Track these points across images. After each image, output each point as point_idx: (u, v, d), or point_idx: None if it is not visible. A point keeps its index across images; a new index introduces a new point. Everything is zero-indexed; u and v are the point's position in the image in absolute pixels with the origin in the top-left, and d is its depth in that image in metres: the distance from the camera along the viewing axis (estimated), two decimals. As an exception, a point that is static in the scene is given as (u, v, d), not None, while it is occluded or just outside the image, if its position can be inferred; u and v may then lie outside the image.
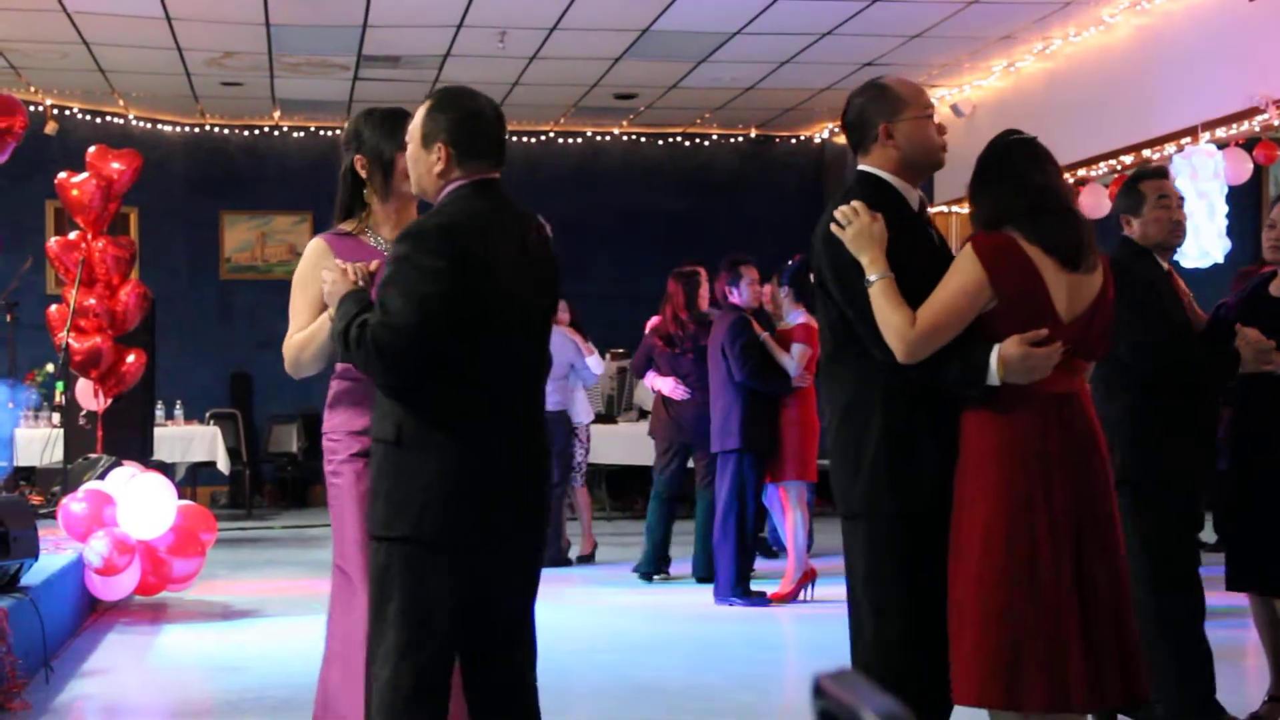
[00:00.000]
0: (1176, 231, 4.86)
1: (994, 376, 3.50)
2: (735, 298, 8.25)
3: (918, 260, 3.62)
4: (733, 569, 8.07)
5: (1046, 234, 3.59)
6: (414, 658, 3.34)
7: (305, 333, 3.90)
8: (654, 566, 9.18)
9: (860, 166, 3.79)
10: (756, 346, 8.11)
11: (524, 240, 3.47)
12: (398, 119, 3.86)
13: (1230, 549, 5.03)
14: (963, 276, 3.54)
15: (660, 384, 9.20)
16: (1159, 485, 4.70)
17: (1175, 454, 4.71)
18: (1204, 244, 8.98)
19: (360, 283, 3.50)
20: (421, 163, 3.48)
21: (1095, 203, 10.04)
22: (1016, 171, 3.66)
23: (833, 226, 3.63)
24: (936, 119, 3.82)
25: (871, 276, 3.56)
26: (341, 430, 3.91)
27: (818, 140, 14.83)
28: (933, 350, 3.52)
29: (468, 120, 3.45)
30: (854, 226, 3.59)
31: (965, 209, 12.59)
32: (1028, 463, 3.52)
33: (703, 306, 9.11)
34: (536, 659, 3.55)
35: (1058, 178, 3.72)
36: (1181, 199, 4.95)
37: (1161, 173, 5.19)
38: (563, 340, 9.31)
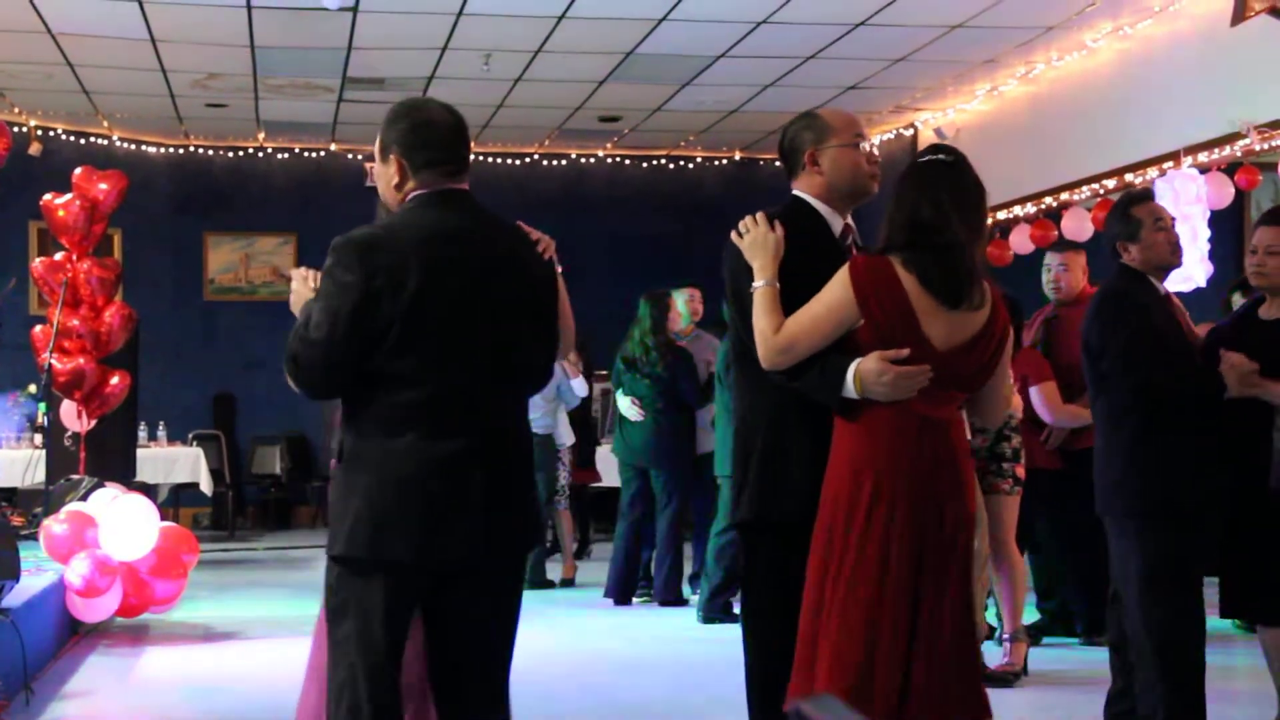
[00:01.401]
0: (1176, 252, 4.88)
1: (850, 388, 3.57)
2: None
3: (819, 282, 3.65)
4: (720, 589, 8.10)
5: (923, 269, 3.60)
6: (357, 683, 3.31)
7: None
8: (622, 592, 9.20)
9: (792, 191, 3.93)
10: None
11: (487, 250, 3.40)
12: None
13: (1224, 576, 5.02)
14: (830, 295, 3.62)
15: (620, 403, 9.27)
16: (1165, 516, 4.69)
17: (1180, 484, 4.70)
18: (1186, 268, 9.00)
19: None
20: (383, 176, 3.49)
21: (1078, 226, 10.09)
22: (908, 199, 3.68)
23: (733, 234, 3.79)
24: (869, 147, 3.89)
25: (758, 282, 3.70)
26: None
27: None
28: (792, 360, 3.61)
29: (419, 130, 3.42)
30: (751, 235, 3.76)
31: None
32: (875, 476, 3.56)
33: (675, 327, 9.15)
34: (504, 696, 3.48)
35: (954, 207, 3.65)
36: (1173, 219, 4.98)
37: (1149, 195, 5.22)
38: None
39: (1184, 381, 4.75)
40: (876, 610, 3.53)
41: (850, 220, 3.92)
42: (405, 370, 3.29)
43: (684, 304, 9.31)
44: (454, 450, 3.29)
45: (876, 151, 3.93)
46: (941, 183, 3.69)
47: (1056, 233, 10.52)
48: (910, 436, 3.58)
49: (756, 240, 3.73)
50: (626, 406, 9.16)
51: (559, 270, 3.62)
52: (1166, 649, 4.67)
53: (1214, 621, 4.98)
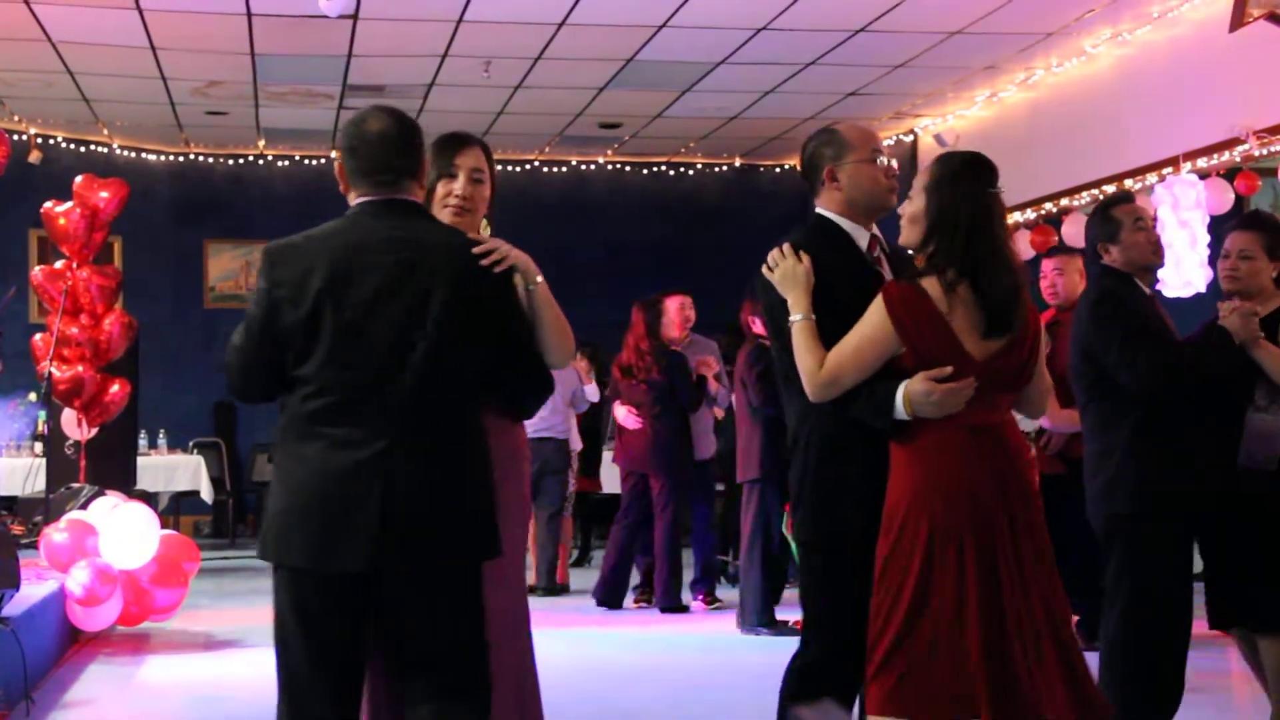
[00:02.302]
0: (1158, 251, 4.88)
1: (900, 411, 3.65)
2: (758, 327, 8.28)
3: (854, 301, 3.74)
4: (759, 598, 8.08)
5: (984, 301, 3.67)
6: (285, 687, 3.43)
7: None
8: (609, 595, 9.26)
9: (815, 209, 3.98)
10: (774, 376, 8.11)
11: (408, 259, 3.38)
12: (444, 144, 3.89)
13: (1209, 586, 5.02)
14: (870, 327, 3.69)
15: (617, 411, 9.32)
16: (1155, 521, 4.69)
17: (1171, 489, 4.70)
18: (1186, 273, 9.01)
19: None
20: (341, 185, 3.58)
21: (1076, 232, 10.09)
22: (960, 214, 3.71)
23: (764, 268, 3.84)
24: (887, 162, 3.95)
25: (795, 317, 3.76)
26: None
27: (800, 168, 14.82)
28: (838, 392, 3.70)
29: (353, 140, 3.51)
30: (781, 268, 3.81)
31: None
32: (935, 494, 3.63)
33: (670, 335, 9.17)
34: (466, 695, 3.43)
35: (1001, 222, 3.78)
36: (1154, 219, 4.97)
37: (1130, 197, 5.22)
38: (565, 371, 9.42)
39: (1196, 363, 4.72)
40: (961, 632, 3.57)
41: (876, 230, 3.98)
42: (311, 376, 3.36)
43: (675, 311, 9.36)
44: (357, 459, 3.31)
45: (895, 165, 3.98)
46: (988, 192, 3.76)
47: (1057, 238, 10.53)
48: (965, 449, 3.66)
49: (787, 274, 3.79)
50: (624, 415, 9.19)
51: (538, 280, 3.63)
52: (1147, 652, 4.67)
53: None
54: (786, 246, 3.81)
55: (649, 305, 9.19)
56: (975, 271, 3.67)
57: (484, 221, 3.93)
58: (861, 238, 3.93)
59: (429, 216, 3.62)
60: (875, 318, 3.68)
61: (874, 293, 3.75)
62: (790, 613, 8.26)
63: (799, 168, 4.10)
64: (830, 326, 3.72)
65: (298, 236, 3.48)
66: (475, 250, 3.47)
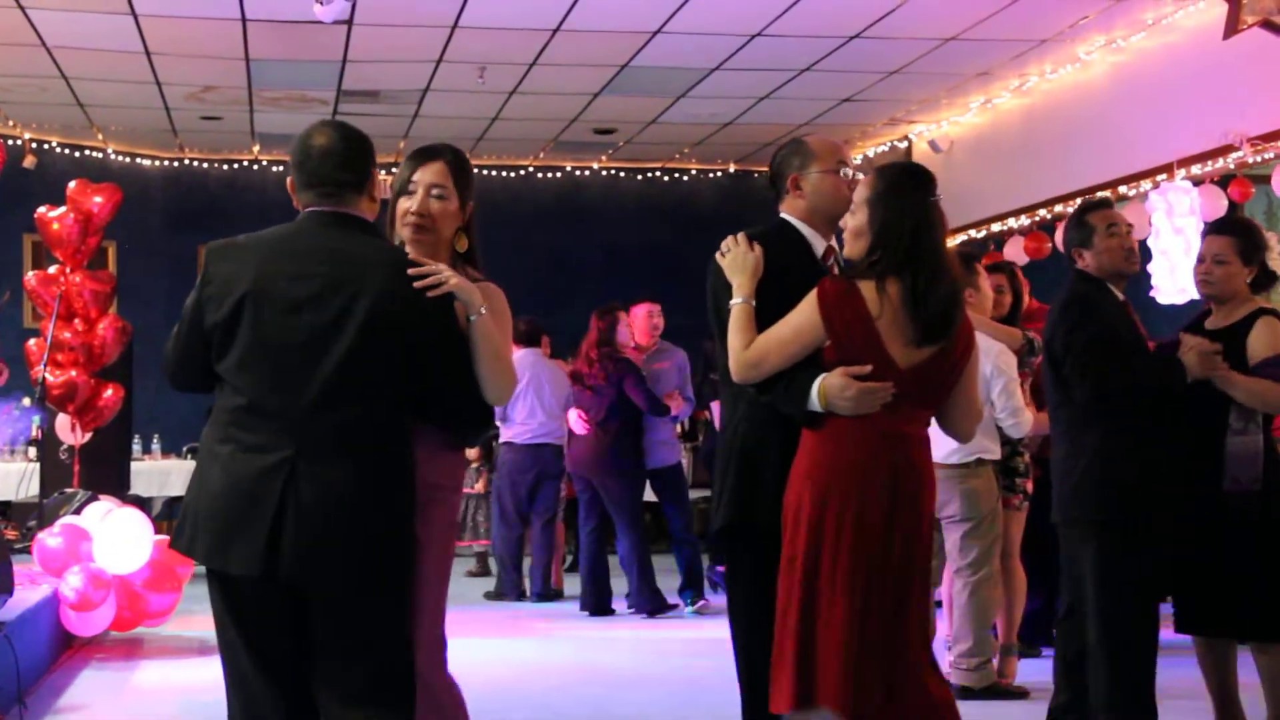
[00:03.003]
0: (1131, 258, 4.90)
1: (814, 402, 3.74)
2: None
3: (796, 301, 3.81)
4: None
5: (917, 304, 3.72)
6: (229, 688, 3.57)
7: None
8: (596, 603, 9.27)
9: (779, 213, 4.11)
10: None
11: (335, 274, 3.38)
12: (408, 158, 3.83)
13: (1178, 591, 5.03)
14: (799, 316, 3.78)
15: (569, 416, 9.40)
16: (1122, 525, 4.71)
17: (1142, 494, 4.72)
18: (1180, 280, 9.02)
19: None
20: None
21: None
22: (898, 220, 3.77)
23: (717, 254, 3.95)
24: (851, 175, 4.06)
25: (735, 299, 3.85)
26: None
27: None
28: (760, 375, 3.80)
29: (299, 156, 3.57)
30: (732, 254, 3.91)
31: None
32: (830, 483, 3.71)
33: (628, 342, 9.22)
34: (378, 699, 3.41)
35: (940, 228, 3.84)
36: (1130, 226, 4.98)
37: (1107, 203, 5.26)
38: (560, 376, 9.51)
39: (1144, 377, 4.75)
40: (830, 619, 3.67)
41: (834, 242, 4.09)
42: (228, 377, 3.42)
43: (642, 319, 9.44)
44: (262, 465, 3.33)
45: (860, 178, 4.03)
46: (929, 202, 3.82)
47: (1050, 245, 10.54)
48: (869, 448, 3.74)
49: (736, 260, 3.90)
50: (574, 420, 9.27)
51: (480, 313, 3.50)
52: (1120, 655, 4.68)
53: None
54: (741, 235, 3.93)
55: (604, 313, 9.26)
56: (914, 279, 3.72)
57: (460, 236, 3.79)
58: (819, 245, 4.06)
59: (372, 232, 3.55)
60: (806, 309, 3.77)
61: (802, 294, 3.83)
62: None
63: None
64: (770, 318, 3.81)
65: (242, 237, 3.54)
66: (411, 272, 3.42)
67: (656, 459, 9.28)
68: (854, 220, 3.85)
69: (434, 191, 3.74)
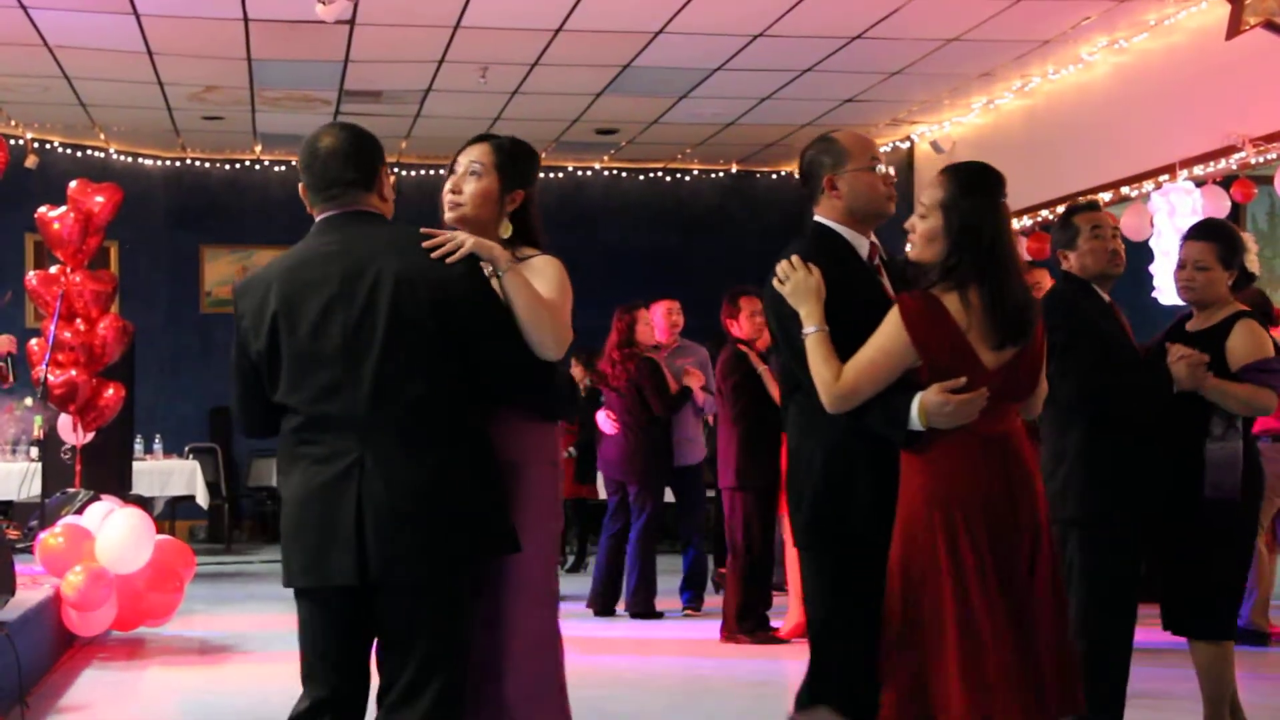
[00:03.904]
0: (1115, 260, 4.90)
1: (915, 422, 3.66)
2: (736, 330, 8.29)
3: (862, 310, 3.76)
4: (742, 606, 8.05)
5: (993, 310, 3.69)
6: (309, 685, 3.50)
7: None
8: (603, 604, 9.28)
9: (814, 217, 3.97)
10: (749, 383, 8.12)
11: (352, 266, 3.39)
12: (468, 141, 3.86)
13: (1164, 591, 5.05)
14: (887, 340, 3.70)
15: (598, 417, 9.42)
16: (1105, 526, 4.72)
17: (1123, 494, 4.73)
18: (1182, 281, 9.01)
19: None
20: None
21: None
22: (978, 224, 3.73)
23: (774, 281, 3.82)
24: (886, 169, 3.95)
25: (808, 329, 3.74)
26: None
27: (798, 176, 14.83)
28: (855, 404, 3.70)
29: (307, 160, 3.55)
30: (791, 281, 3.78)
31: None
32: (952, 503, 3.65)
33: (648, 340, 9.19)
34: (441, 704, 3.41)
35: (1010, 231, 3.82)
36: (1116, 229, 4.99)
37: (1094, 206, 5.27)
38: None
39: (1126, 378, 4.76)
40: (984, 639, 3.59)
41: (874, 239, 3.98)
42: (286, 400, 3.42)
43: (661, 316, 9.43)
44: (333, 473, 3.35)
45: (893, 172, 3.98)
46: (1003, 204, 3.78)
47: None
48: (978, 459, 3.69)
49: (799, 286, 3.77)
50: (603, 420, 9.26)
51: (505, 268, 3.47)
52: (1097, 652, 4.69)
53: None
54: (796, 259, 3.79)
55: (625, 312, 9.26)
56: (997, 285, 3.68)
57: (504, 222, 3.80)
58: (862, 246, 3.93)
59: (383, 222, 3.55)
60: (892, 331, 3.68)
61: (878, 301, 3.77)
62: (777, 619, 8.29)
63: (797, 175, 4.09)
64: (839, 337, 3.73)
65: (263, 268, 3.55)
66: (425, 245, 3.41)
67: (680, 458, 9.26)
68: (925, 224, 3.78)
69: (471, 169, 3.77)
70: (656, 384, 9.03)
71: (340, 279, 3.38)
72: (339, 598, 3.39)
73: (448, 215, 3.76)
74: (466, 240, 3.45)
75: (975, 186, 3.77)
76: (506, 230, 3.80)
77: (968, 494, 3.66)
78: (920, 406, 3.65)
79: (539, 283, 3.59)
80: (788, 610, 8.27)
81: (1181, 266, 5.01)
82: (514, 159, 3.85)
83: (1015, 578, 3.65)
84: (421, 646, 3.38)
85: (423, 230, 3.47)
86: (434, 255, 3.40)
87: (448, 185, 3.79)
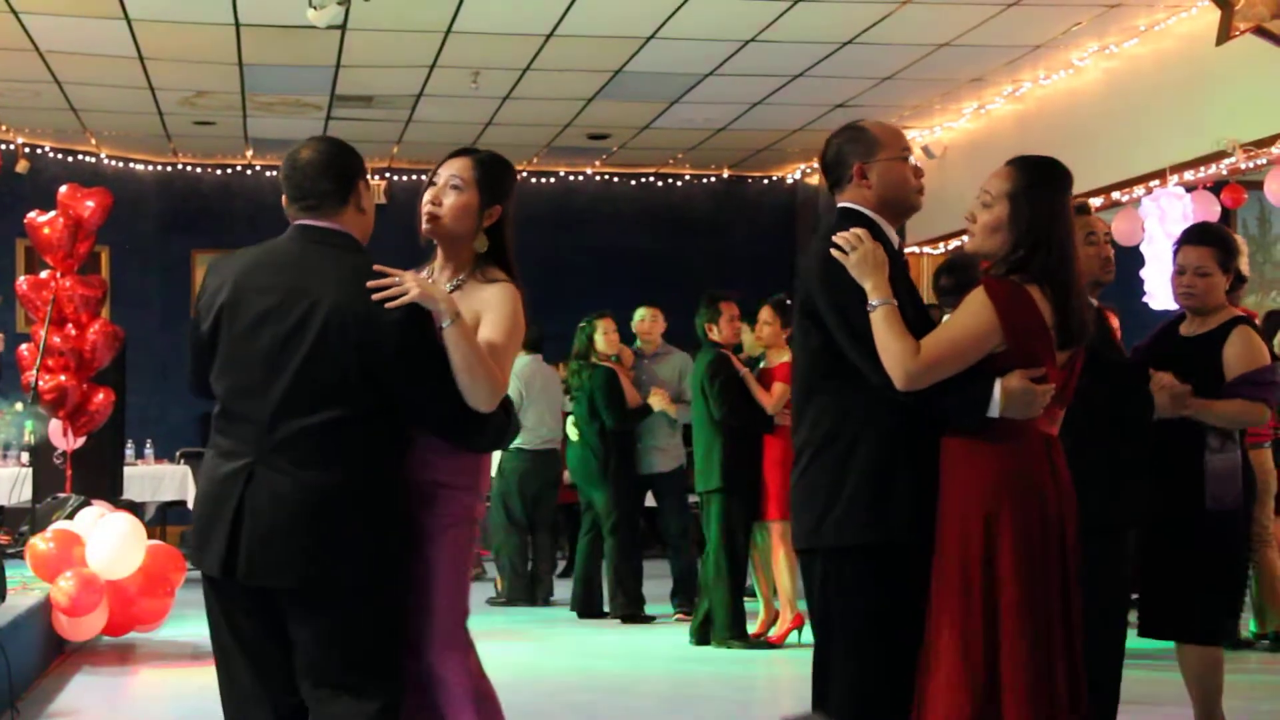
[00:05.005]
0: (1107, 266, 4.86)
1: (995, 408, 3.54)
2: (715, 335, 8.29)
3: (900, 297, 3.62)
4: (728, 611, 8.01)
5: (1062, 310, 3.62)
6: (222, 689, 3.74)
7: None
8: (585, 606, 9.36)
9: (840, 204, 3.83)
10: (735, 384, 8.12)
11: (300, 285, 3.46)
12: (450, 154, 3.88)
13: (1143, 595, 5.05)
14: (973, 319, 3.57)
15: (567, 424, 9.52)
16: (1098, 534, 4.71)
17: (1105, 500, 4.71)
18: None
19: None
20: None
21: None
22: (1048, 222, 3.67)
23: (834, 252, 3.63)
24: (913, 162, 3.86)
25: (875, 301, 3.57)
26: None
27: (790, 181, 14.89)
28: (933, 380, 3.53)
29: (287, 170, 3.68)
30: (858, 252, 3.60)
31: (938, 250, 12.68)
32: (1023, 495, 3.56)
33: (606, 350, 9.21)
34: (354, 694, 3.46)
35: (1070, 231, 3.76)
36: (1108, 234, 4.96)
37: (1085, 210, 5.22)
38: (558, 382, 9.61)
39: (1108, 385, 4.75)
40: (1046, 638, 3.55)
41: (895, 233, 3.86)
42: (213, 384, 3.61)
43: (640, 324, 9.49)
44: (229, 469, 3.48)
45: (922, 165, 3.90)
46: (1070, 200, 3.74)
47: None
48: (1041, 457, 3.62)
49: (866, 257, 3.60)
50: (569, 427, 9.38)
51: (446, 322, 3.44)
52: (1090, 660, 4.69)
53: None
54: (862, 231, 3.63)
55: (585, 321, 9.33)
56: (1064, 281, 3.62)
57: (480, 236, 3.78)
58: (892, 237, 3.79)
59: (347, 247, 3.57)
60: (980, 311, 3.56)
61: (907, 292, 3.68)
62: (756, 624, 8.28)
63: (820, 164, 3.96)
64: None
65: (236, 254, 3.67)
66: (370, 285, 3.42)
67: (649, 465, 9.27)
68: (989, 214, 3.68)
69: (451, 183, 3.77)
70: (609, 396, 9.05)
71: (283, 293, 3.49)
72: (231, 587, 3.54)
73: (425, 226, 3.77)
74: (413, 288, 3.42)
75: (1046, 180, 3.71)
76: (483, 245, 3.79)
77: (1026, 491, 3.56)
78: (1003, 391, 3.53)
79: (489, 318, 3.61)
80: (761, 614, 8.26)
81: (1181, 272, 4.95)
82: (494, 175, 3.85)
83: (1049, 580, 3.57)
84: (328, 646, 3.48)
85: (375, 268, 3.47)
86: (375, 297, 3.41)
87: (427, 196, 3.79)
